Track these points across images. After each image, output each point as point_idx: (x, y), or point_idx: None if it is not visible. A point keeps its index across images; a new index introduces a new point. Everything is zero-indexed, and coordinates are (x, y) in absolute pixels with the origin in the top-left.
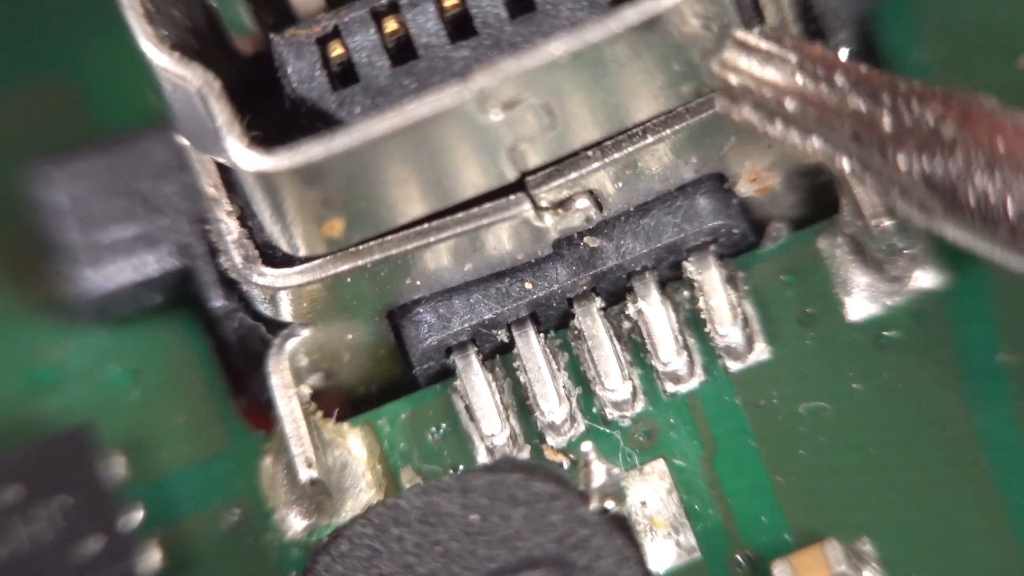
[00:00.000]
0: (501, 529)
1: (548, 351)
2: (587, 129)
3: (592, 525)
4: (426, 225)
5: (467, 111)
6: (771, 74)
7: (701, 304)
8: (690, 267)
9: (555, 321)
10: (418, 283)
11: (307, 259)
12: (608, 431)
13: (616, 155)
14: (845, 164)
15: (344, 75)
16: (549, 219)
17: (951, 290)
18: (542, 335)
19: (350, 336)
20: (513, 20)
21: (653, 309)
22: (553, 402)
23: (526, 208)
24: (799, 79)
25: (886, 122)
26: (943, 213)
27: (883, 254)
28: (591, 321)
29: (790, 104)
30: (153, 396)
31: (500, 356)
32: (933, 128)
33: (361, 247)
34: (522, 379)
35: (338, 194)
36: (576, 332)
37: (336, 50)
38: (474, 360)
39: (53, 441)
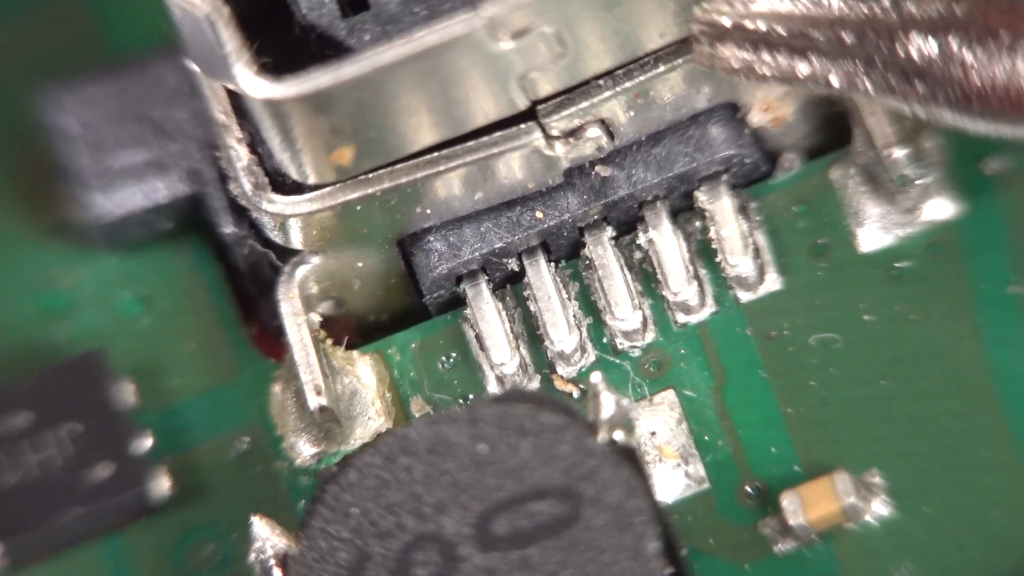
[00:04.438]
0: (509, 460)
1: (559, 280)
2: (599, 58)
3: (600, 456)
4: (436, 154)
5: (477, 39)
6: (767, 1)
7: (713, 234)
8: (702, 197)
9: (566, 250)
10: (428, 211)
11: (317, 187)
12: (618, 361)
13: (628, 84)
14: (834, 80)
15: (354, 2)
16: (560, 148)
17: (963, 221)
18: (553, 264)
19: (360, 264)
20: None
21: (664, 239)
22: (563, 331)
23: (537, 137)
24: (798, 1)
25: (894, 15)
26: (950, 100)
27: (895, 185)
28: (602, 250)
29: (782, 29)
30: (163, 323)
31: (511, 285)
32: (945, 10)
33: (371, 175)
34: (532, 308)
35: (347, 122)
36: (587, 261)
37: None
38: (484, 289)
39: (63, 367)
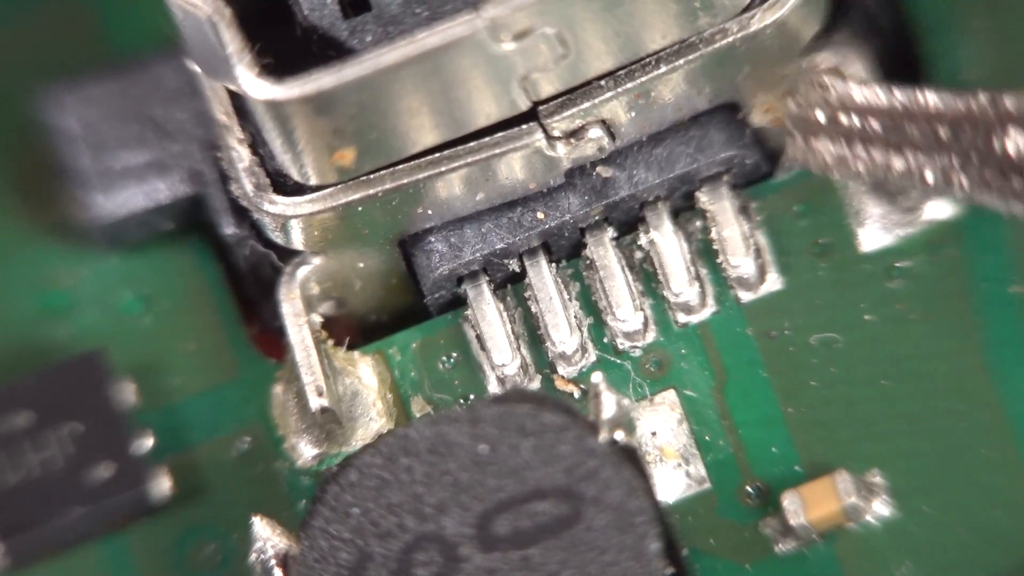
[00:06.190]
0: (510, 460)
1: (560, 281)
2: (600, 59)
3: (601, 456)
4: (438, 154)
5: (479, 40)
6: (863, 96)
7: (714, 234)
8: (703, 197)
9: (567, 251)
10: (430, 212)
11: (318, 188)
12: (619, 361)
13: (629, 85)
14: (929, 176)
15: (356, 3)
16: (561, 149)
17: (964, 221)
18: (554, 265)
19: (361, 264)
20: None
21: (665, 239)
22: (564, 332)
23: (538, 138)
24: (893, 96)
25: (991, 109)
26: None
27: (896, 185)
28: (603, 251)
29: (877, 123)
30: (164, 323)
31: (512, 286)
32: None
33: (372, 176)
34: (533, 309)
35: (349, 124)
36: (588, 262)
37: None
38: (485, 289)
39: (64, 367)
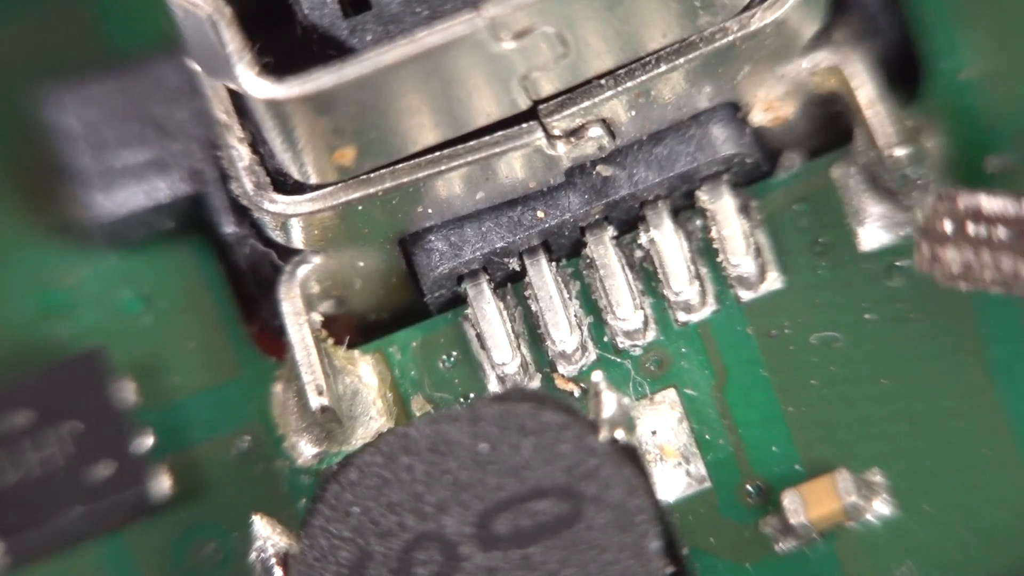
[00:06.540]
0: (510, 459)
1: (560, 280)
2: (600, 58)
3: (601, 455)
4: (438, 153)
5: (479, 39)
6: (990, 205)
7: (714, 233)
8: (703, 196)
9: (567, 250)
10: (430, 211)
11: (318, 186)
12: (619, 360)
13: (629, 83)
14: None
15: (356, 2)
16: (561, 147)
17: None
18: (554, 264)
19: (361, 263)
20: None
21: (665, 238)
22: (564, 331)
23: (538, 137)
24: (1020, 204)
25: None
26: None
27: (896, 184)
28: (603, 250)
29: (1004, 232)
30: (164, 322)
31: (512, 284)
32: None
33: (372, 175)
34: (533, 308)
35: (349, 123)
36: (588, 261)
37: None
38: (486, 288)
39: (64, 366)
